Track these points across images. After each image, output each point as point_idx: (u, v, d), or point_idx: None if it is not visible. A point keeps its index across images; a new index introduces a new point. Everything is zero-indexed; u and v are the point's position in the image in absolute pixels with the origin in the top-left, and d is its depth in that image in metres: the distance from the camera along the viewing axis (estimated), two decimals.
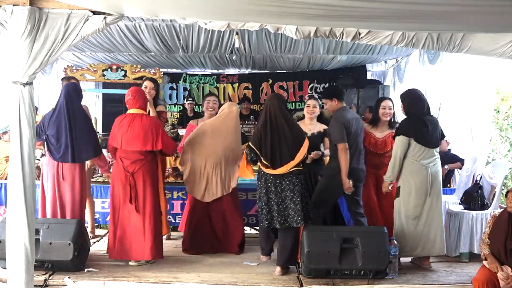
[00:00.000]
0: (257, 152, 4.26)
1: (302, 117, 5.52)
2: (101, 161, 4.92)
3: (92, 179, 5.95)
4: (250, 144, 4.33)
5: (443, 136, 4.66)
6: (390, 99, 5.15)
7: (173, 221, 5.91)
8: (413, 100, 4.56)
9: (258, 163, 4.37)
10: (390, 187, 4.58)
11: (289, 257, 4.38)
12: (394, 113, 5.05)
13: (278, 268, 4.36)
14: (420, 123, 4.45)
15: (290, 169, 4.22)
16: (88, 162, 5.49)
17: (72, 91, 4.72)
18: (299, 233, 4.37)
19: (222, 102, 7.61)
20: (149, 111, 5.05)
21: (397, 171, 4.49)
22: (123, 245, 4.47)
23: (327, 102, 4.86)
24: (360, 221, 4.74)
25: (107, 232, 5.53)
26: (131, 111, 4.57)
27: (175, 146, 5.06)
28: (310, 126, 5.02)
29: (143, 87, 5.09)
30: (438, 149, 4.56)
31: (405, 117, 4.60)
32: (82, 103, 5.05)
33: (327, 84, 9.97)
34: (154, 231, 4.47)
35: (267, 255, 4.75)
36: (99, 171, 6.36)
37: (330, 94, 4.90)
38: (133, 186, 4.42)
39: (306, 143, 4.29)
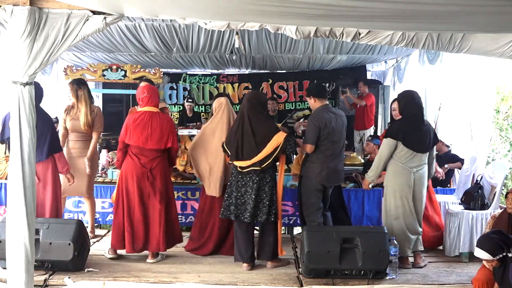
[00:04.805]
0: (227, 150, 4.52)
1: (302, 117, 5.54)
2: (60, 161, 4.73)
3: None
4: (224, 143, 4.56)
5: (436, 140, 4.62)
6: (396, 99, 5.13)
7: None
8: (408, 102, 4.56)
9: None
10: (370, 186, 4.62)
11: (259, 251, 4.48)
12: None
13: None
14: (412, 127, 4.45)
15: (253, 163, 4.32)
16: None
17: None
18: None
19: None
20: None
21: (380, 171, 4.55)
22: (137, 238, 4.53)
23: (309, 99, 4.89)
24: (324, 214, 4.79)
25: (107, 232, 5.54)
26: (145, 108, 4.55)
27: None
28: None
29: None
30: (426, 156, 4.52)
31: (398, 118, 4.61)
32: (96, 104, 4.89)
33: (327, 84, 9.97)
34: (170, 224, 4.63)
35: (246, 262, 4.46)
36: (99, 171, 6.36)
37: (309, 92, 4.92)
38: (151, 182, 4.49)
39: (275, 140, 4.31)
